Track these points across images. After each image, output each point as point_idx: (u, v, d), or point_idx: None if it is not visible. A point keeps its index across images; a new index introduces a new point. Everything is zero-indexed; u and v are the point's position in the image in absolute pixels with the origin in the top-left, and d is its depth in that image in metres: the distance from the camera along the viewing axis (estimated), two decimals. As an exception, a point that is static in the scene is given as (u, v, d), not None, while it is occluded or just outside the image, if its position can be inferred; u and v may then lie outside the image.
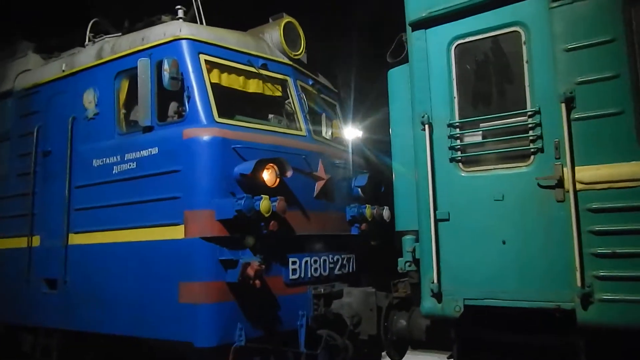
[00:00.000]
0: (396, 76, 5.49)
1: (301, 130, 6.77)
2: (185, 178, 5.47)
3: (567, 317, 4.31)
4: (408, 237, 5.17)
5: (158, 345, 5.55)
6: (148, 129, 5.94)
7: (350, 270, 7.05)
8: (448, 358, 5.37)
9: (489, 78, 4.73)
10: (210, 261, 5.29)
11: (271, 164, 5.69)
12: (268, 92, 6.74)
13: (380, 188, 7.62)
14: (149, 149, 5.82)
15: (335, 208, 6.89)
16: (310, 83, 7.44)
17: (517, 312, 4.48)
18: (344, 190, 7.16)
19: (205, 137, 5.51)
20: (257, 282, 5.23)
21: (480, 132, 4.73)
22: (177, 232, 5.44)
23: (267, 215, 5.43)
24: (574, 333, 4.38)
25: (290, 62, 7.04)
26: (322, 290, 6.18)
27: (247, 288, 5.41)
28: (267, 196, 5.46)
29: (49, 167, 6.89)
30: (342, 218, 7.07)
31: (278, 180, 5.78)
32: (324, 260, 6.52)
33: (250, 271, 5.17)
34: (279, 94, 6.88)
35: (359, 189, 7.37)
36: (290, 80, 6.95)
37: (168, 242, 5.49)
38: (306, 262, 6.22)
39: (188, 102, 5.74)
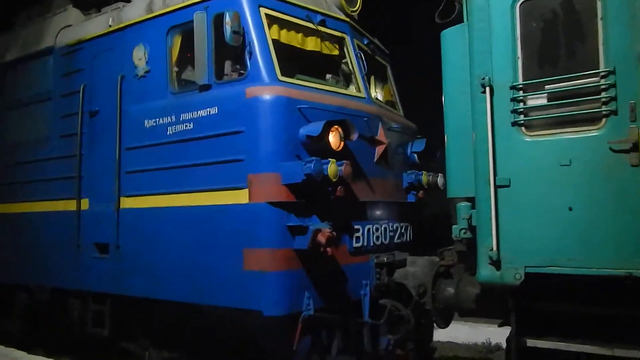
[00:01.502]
0: (450, 37, 5.22)
1: (360, 91, 6.41)
2: (249, 139, 5.16)
3: (638, 286, 4.10)
4: (463, 204, 4.98)
5: (218, 312, 5.34)
6: (205, 87, 5.61)
7: (408, 239, 6.79)
8: (500, 326, 5.21)
9: (557, 37, 4.48)
10: (278, 227, 5.02)
11: (336, 126, 5.36)
12: (325, 51, 6.36)
13: (436, 154, 7.29)
14: (208, 109, 5.50)
15: (393, 174, 6.59)
16: (366, 42, 7.04)
17: (580, 281, 4.32)
18: (401, 155, 6.84)
19: (271, 96, 5.17)
20: (329, 249, 4.97)
21: (546, 95, 4.51)
22: (240, 197, 5.17)
23: (334, 180, 5.13)
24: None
25: (348, 19, 6.64)
26: (385, 259, 5.93)
27: (314, 256, 5.16)
28: (334, 160, 5.15)
29: (96, 128, 6.61)
30: (399, 185, 6.77)
31: (342, 143, 5.46)
32: (385, 229, 6.25)
33: (322, 238, 4.90)
34: (336, 52, 6.50)
35: (416, 155, 7.04)
36: (347, 39, 6.56)
37: (230, 207, 5.22)
38: (368, 229, 5.96)
39: (250, 58, 5.38)
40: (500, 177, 4.54)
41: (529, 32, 4.55)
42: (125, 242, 6.12)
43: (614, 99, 4.14)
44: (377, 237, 6.09)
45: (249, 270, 5.05)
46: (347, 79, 6.57)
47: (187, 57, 6.19)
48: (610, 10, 4.18)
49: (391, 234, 6.36)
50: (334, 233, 5.00)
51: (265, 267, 4.97)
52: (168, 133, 5.83)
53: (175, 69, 6.09)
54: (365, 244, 5.87)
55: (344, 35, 6.52)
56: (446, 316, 5.83)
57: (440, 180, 7.16)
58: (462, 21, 5.35)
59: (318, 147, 5.25)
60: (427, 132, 7.42)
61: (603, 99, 4.20)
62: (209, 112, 5.49)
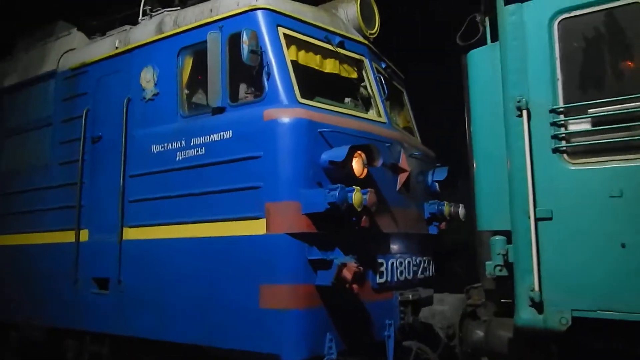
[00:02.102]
0: (479, 57, 4.90)
1: (381, 116, 6.06)
2: (267, 165, 4.77)
3: None
4: (497, 237, 4.52)
5: (230, 356, 4.83)
6: (219, 110, 5.25)
7: (431, 274, 6.33)
8: None
9: (600, 57, 4.14)
10: (299, 261, 4.58)
11: (359, 152, 4.98)
12: (344, 73, 6.05)
13: (457, 183, 6.92)
14: (221, 133, 5.12)
15: (415, 204, 6.19)
16: (384, 66, 6.74)
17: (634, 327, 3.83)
18: (422, 184, 6.45)
19: (290, 119, 4.80)
20: (355, 286, 4.52)
21: (589, 119, 4.12)
22: (257, 227, 4.74)
23: (358, 209, 4.71)
24: None
25: (366, 42, 6.35)
26: (410, 296, 5.46)
27: (336, 293, 4.70)
28: (358, 187, 4.74)
29: (99, 155, 6.21)
30: (421, 215, 6.35)
31: (365, 170, 5.06)
32: (408, 262, 5.81)
33: (347, 273, 4.46)
34: (354, 75, 6.19)
35: (437, 184, 6.65)
36: (366, 61, 6.26)
37: (246, 239, 4.78)
38: (392, 264, 5.52)
39: (267, 79, 5.03)
40: (541, 208, 4.12)
41: (569, 51, 4.22)
42: (128, 276, 5.64)
43: None
44: (401, 272, 5.64)
45: (265, 309, 4.58)
46: (366, 103, 6.24)
47: (198, 79, 5.87)
48: (662, 28, 3.87)
49: (414, 268, 5.92)
50: (361, 268, 4.55)
51: (284, 306, 4.50)
52: (177, 159, 5.43)
53: (186, 91, 5.75)
54: (389, 279, 5.42)
55: (363, 57, 6.22)
56: (473, 360, 5.34)
57: (461, 211, 6.76)
58: (486, 43, 5.08)
59: (340, 173, 4.86)
60: (445, 159, 7.08)
61: (656, 125, 3.82)
62: (223, 136, 5.11)
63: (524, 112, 4.21)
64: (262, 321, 4.56)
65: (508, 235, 4.46)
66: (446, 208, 6.51)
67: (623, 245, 3.79)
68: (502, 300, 5.45)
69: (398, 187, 5.80)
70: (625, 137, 3.94)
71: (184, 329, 5.04)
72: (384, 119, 6.06)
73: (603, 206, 3.89)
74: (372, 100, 6.20)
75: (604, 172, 3.94)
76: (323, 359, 4.55)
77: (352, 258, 4.66)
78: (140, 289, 5.49)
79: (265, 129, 4.83)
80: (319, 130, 4.90)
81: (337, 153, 4.78)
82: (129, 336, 5.54)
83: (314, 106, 5.16)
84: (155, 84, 5.81)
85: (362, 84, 6.29)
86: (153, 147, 5.66)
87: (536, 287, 4.04)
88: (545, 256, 4.07)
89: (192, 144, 5.35)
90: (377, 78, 6.25)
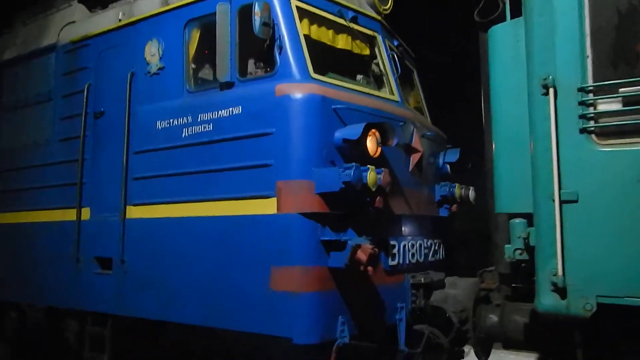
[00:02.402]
0: (500, 34, 4.70)
1: (394, 94, 5.87)
2: (278, 142, 4.58)
3: None
4: (518, 220, 4.36)
5: (239, 338, 4.70)
6: (227, 85, 5.04)
7: (442, 258, 6.19)
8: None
9: (634, 33, 3.92)
10: (311, 242, 4.42)
11: (373, 130, 4.79)
12: (356, 50, 5.84)
13: (468, 165, 6.75)
14: (230, 108, 4.93)
15: (426, 186, 6.02)
16: (396, 44, 6.52)
17: None
18: (433, 166, 6.28)
19: (303, 95, 4.60)
20: (370, 268, 4.36)
21: (620, 99, 3.92)
22: (267, 206, 4.57)
23: (373, 189, 4.55)
24: None
25: (380, 18, 6.13)
26: (422, 279, 5.32)
27: (349, 275, 4.55)
28: (373, 167, 4.57)
29: (101, 131, 6.01)
30: (432, 197, 6.19)
31: (379, 149, 4.88)
32: (420, 245, 5.66)
33: (362, 255, 4.30)
34: (367, 52, 5.98)
35: (448, 166, 6.48)
36: (379, 38, 6.05)
37: (256, 218, 4.62)
38: (404, 246, 5.37)
39: (279, 53, 4.82)
40: (566, 191, 3.95)
41: (600, 26, 4.01)
42: (132, 256, 5.47)
43: None
44: (413, 255, 5.49)
45: (276, 291, 4.42)
46: (378, 81, 6.03)
47: (204, 54, 5.65)
48: (702, 0, 3.67)
49: (425, 251, 5.77)
50: (376, 249, 4.40)
51: (296, 288, 4.35)
52: (183, 135, 5.24)
53: (193, 66, 5.53)
54: (401, 261, 5.28)
55: (376, 34, 6.01)
56: (487, 347, 5.22)
57: (472, 193, 6.62)
58: (505, 19, 4.87)
59: (354, 152, 4.68)
60: (456, 141, 6.91)
61: (692, 105, 3.64)
62: (232, 112, 4.91)
63: (551, 91, 4.02)
64: (273, 303, 4.41)
65: (528, 218, 4.32)
66: (457, 190, 6.36)
67: None
68: (514, 285, 5.34)
69: (410, 167, 5.63)
70: None
71: (191, 311, 4.89)
72: (396, 97, 5.87)
73: (631, 189, 3.72)
74: (384, 78, 6.00)
75: (633, 154, 3.76)
76: (335, 343, 4.40)
77: (367, 239, 4.51)
78: (144, 269, 5.33)
79: (277, 104, 4.64)
80: (332, 107, 4.71)
81: (352, 131, 4.59)
82: (133, 317, 5.38)
83: (327, 82, 4.96)
84: (161, 58, 5.59)
85: (374, 61, 6.08)
86: (158, 123, 5.46)
87: (560, 272, 3.89)
88: (569, 240, 3.91)
89: (199, 120, 5.15)
90: (390, 55, 6.04)
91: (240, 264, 4.65)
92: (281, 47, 4.82)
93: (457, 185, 6.39)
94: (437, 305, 5.32)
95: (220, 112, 5.00)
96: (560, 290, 3.92)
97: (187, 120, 5.23)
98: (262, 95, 4.75)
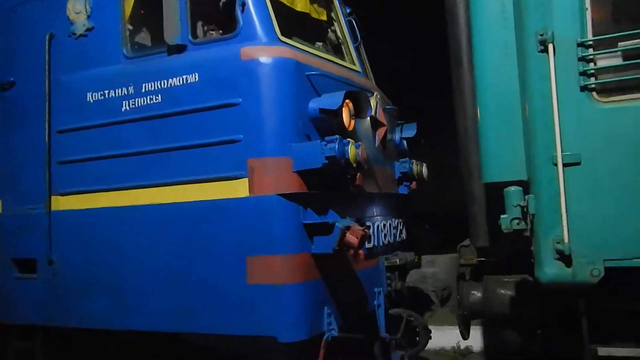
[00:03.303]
0: None
1: (354, 64, 5.43)
2: (247, 114, 3.96)
3: None
4: (513, 188, 4.15)
5: (212, 342, 4.08)
6: (178, 49, 4.31)
7: (405, 237, 5.92)
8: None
9: None
10: (293, 227, 3.88)
11: (347, 101, 4.33)
12: (314, 14, 5.31)
13: (421, 140, 6.52)
14: (184, 76, 4.21)
15: (389, 162, 5.70)
16: (348, 10, 6.07)
17: None
18: (392, 141, 5.96)
19: (275, 59, 4.01)
20: (361, 252, 3.93)
21: (619, 53, 3.79)
22: (237, 189, 3.95)
23: (354, 164, 4.10)
24: None
25: (335, -20, 5.63)
26: (398, 260, 5.00)
27: (332, 262, 4.09)
28: (352, 140, 4.12)
29: (12, 105, 4.96)
30: (393, 175, 5.88)
31: (353, 122, 4.45)
32: (390, 225, 5.33)
33: (352, 238, 3.85)
34: (324, 17, 5.48)
35: (405, 142, 6.21)
36: (336, 3, 5.56)
37: (224, 203, 3.98)
38: (377, 227, 5.00)
39: (242, 11, 4.17)
40: (568, 153, 3.77)
41: None
42: (63, 255, 4.58)
43: None
44: (385, 236, 5.15)
45: (255, 285, 3.85)
46: (336, 50, 5.56)
47: (140, 14, 4.83)
48: None
49: (394, 231, 5.46)
50: (367, 231, 3.97)
51: (279, 280, 3.80)
52: (123, 109, 4.43)
53: (129, 27, 4.69)
54: (376, 243, 4.90)
55: (333, -1, 5.52)
56: (469, 325, 5.04)
57: (425, 170, 6.40)
58: None
59: (330, 125, 4.19)
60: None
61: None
62: (186, 80, 4.20)
63: (550, 47, 3.78)
64: (252, 299, 3.84)
65: (524, 185, 4.11)
66: (415, 167, 6.10)
67: None
68: (480, 259, 5.19)
69: (377, 143, 5.25)
70: None
71: (150, 315, 4.16)
72: (357, 67, 5.44)
73: (637, 147, 3.61)
74: (343, 47, 5.54)
75: (638, 110, 3.65)
76: (323, 337, 3.94)
77: (352, 221, 4.06)
78: (82, 269, 4.48)
79: (244, 70, 4.00)
80: (306, 73, 4.16)
81: (331, 100, 4.09)
82: (70, 327, 4.52)
83: (297, 47, 4.40)
84: (88, 17, 4.68)
85: (331, 28, 5.59)
86: (89, 95, 4.58)
87: (565, 239, 3.71)
88: (572, 205, 3.72)
89: (143, 90, 4.37)
90: (348, 22, 5.59)
91: (208, 258, 4.01)
92: (244, 4, 4.17)
93: (414, 161, 6.14)
94: (414, 286, 5.04)
95: (170, 80, 4.26)
96: (566, 258, 3.75)
97: (128, 91, 4.42)
98: (224, 60, 4.09)
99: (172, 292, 4.15)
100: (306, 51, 4.53)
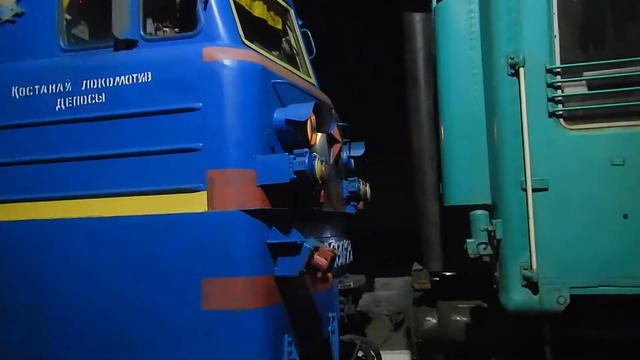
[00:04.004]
0: (452, 10, 4.36)
1: (310, 76, 5.22)
2: (208, 120, 3.58)
3: None
4: (480, 212, 4.13)
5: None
6: (127, 44, 3.85)
7: (352, 258, 5.73)
8: None
9: (600, 15, 3.93)
10: (258, 247, 3.53)
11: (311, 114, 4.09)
12: (271, 22, 5.04)
13: (365, 159, 6.42)
14: (134, 75, 3.75)
15: (339, 180, 5.51)
16: (300, 23, 5.87)
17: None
18: (342, 159, 5.79)
19: (242, 62, 3.68)
20: (330, 275, 3.66)
21: (584, 82, 3.92)
22: (194, 202, 3.55)
23: (320, 181, 3.86)
24: None
25: (291, -9, 5.43)
26: (352, 283, 4.78)
27: (292, 285, 3.79)
28: (318, 154, 3.88)
29: None
30: (342, 194, 5.69)
31: (315, 136, 4.22)
32: (339, 246, 5.10)
33: (321, 260, 3.57)
34: (280, 27, 5.22)
35: (353, 160, 6.06)
36: (292, 13, 5.35)
37: (177, 218, 3.55)
38: (333, 247, 4.74)
39: (204, 9, 3.82)
40: (537, 178, 3.78)
41: (568, 6, 3.89)
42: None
43: None
44: (338, 257, 4.90)
45: (211, 310, 3.44)
46: (291, 60, 5.32)
47: (80, 3, 4.31)
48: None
49: (345, 252, 5.24)
50: (335, 252, 3.71)
51: (240, 305, 3.42)
52: (58, 107, 3.87)
53: (67, 16, 4.15)
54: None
55: (289, 8, 5.29)
56: (426, 353, 4.92)
57: (368, 190, 6.29)
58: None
59: (295, 137, 3.92)
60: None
61: (660, 90, 3.70)
62: (137, 80, 3.75)
63: (521, 71, 3.79)
64: (207, 327, 3.42)
65: (489, 210, 4.07)
66: (362, 187, 5.96)
67: (625, 216, 3.63)
68: (417, 286, 5.12)
69: (332, 159, 5.04)
70: (625, 102, 3.75)
71: (79, 348, 3.58)
72: (313, 79, 5.24)
73: (603, 174, 3.68)
74: (297, 58, 5.31)
75: (604, 138, 3.72)
76: (284, 368, 3.60)
77: (317, 241, 3.79)
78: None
79: (206, 72, 3.63)
80: (272, 81, 3.88)
81: (299, 111, 3.82)
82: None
83: (261, 53, 4.10)
84: (18, 0, 4.08)
85: (286, 38, 5.35)
86: (14, 90, 3.97)
87: (534, 266, 3.69)
88: (539, 230, 3.73)
89: (83, 87, 3.85)
90: (303, 33, 5.38)
91: (154, 279, 3.54)
92: (206, 2, 3.81)
93: (361, 181, 6.00)
94: (366, 310, 4.83)
95: (118, 78, 3.78)
96: (533, 285, 3.72)
97: (65, 87, 3.87)
98: (183, 60, 3.70)
99: (107, 319, 3.63)
100: (268, 58, 4.25)
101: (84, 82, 3.84)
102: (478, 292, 4.81)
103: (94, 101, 3.81)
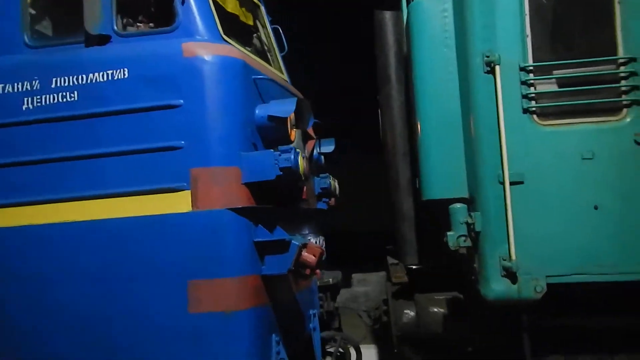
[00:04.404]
0: (426, 9, 4.46)
1: (283, 73, 5.18)
2: (191, 117, 3.49)
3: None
4: (459, 206, 4.25)
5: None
6: (99, 40, 3.70)
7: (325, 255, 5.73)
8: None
9: (569, 17, 4.14)
10: (245, 245, 3.47)
11: (290, 110, 4.06)
12: (242, 18, 4.96)
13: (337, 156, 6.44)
14: (109, 71, 3.60)
15: (312, 177, 5.49)
16: (270, 19, 5.82)
17: (599, 289, 4.00)
18: (313, 156, 5.78)
19: (224, 58, 3.60)
20: (318, 272, 3.64)
21: (554, 80, 4.11)
22: (177, 202, 3.44)
23: (303, 177, 3.84)
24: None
25: (261, -13, 5.37)
26: (331, 280, 4.78)
27: (278, 284, 3.76)
28: (300, 151, 3.86)
29: None
30: (314, 190, 5.68)
31: (294, 132, 4.19)
32: (316, 242, 5.09)
33: (310, 257, 3.55)
34: (251, 22, 5.15)
35: (323, 157, 6.06)
36: (262, 9, 5.29)
37: (160, 219, 3.44)
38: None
39: (182, 3, 3.71)
40: (512, 172, 3.92)
41: (538, 7, 4.04)
42: None
43: (636, 87, 3.87)
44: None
45: (198, 313, 3.35)
46: (262, 57, 5.25)
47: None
48: (628, -7, 3.91)
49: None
50: (323, 249, 3.70)
51: (229, 307, 3.35)
52: (25, 107, 3.67)
53: (31, 11, 3.93)
54: (311, 263, 4.62)
55: (259, 4, 5.23)
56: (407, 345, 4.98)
57: (337, 186, 6.33)
58: None
59: (277, 134, 3.88)
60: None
61: (623, 88, 3.91)
62: (113, 76, 3.60)
63: (497, 68, 3.91)
64: (195, 331, 3.33)
65: (467, 203, 4.17)
66: (332, 183, 5.98)
67: (596, 207, 3.81)
68: (395, 279, 5.20)
69: (306, 156, 5.02)
70: (592, 100, 3.94)
71: (59, 358, 3.41)
72: (285, 76, 5.20)
73: (575, 168, 3.85)
74: (269, 54, 5.26)
75: (575, 133, 3.89)
76: (273, 369, 3.56)
77: (304, 238, 3.77)
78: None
79: (187, 68, 3.53)
80: (253, 77, 3.82)
81: (282, 108, 3.79)
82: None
83: (240, 48, 4.03)
84: (-25, -7, 3.84)
85: (257, 34, 5.28)
86: (-27, 89, 3.73)
87: (513, 256, 3.82)
88: (517, 222, 3.87)
89: (53, 85, 3.66)
90: (274, 30, 5.33)
91: (137, 284, 3.41)
92: (184, -4, 3.71)
93: (331, 177, 6.02)
94: (345, 306, 4.85)
95: (91, 75, 3.62)
96: (512, 275, 3.85)
97: (32, 86, 3.67)
98: (162, 56, 3.58)
99: (87, 325, 3.47)
100: (246, 54, 4.18)
101: (54, 79, 3.65)
102: (454, 284, 4.92)
103: (65, 100, 3.63)
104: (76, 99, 3.62)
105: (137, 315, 3.39)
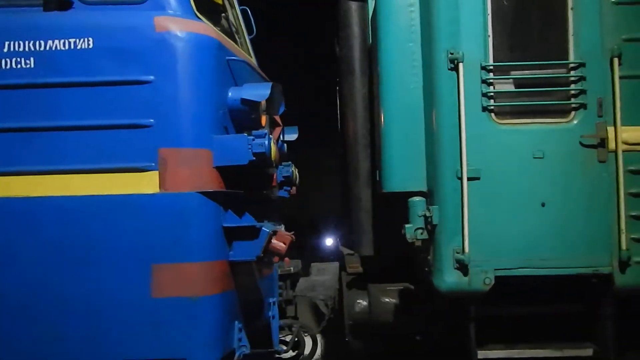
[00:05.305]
0: (393, 2, 4.51)
1: (251, 56, 5.05)
2: (161, 95, 3.32)
3: (601, 284, 4.25)
4: (417, 199, 4.35)
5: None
6: (61, 4, 3.45)
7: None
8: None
9: (527, 20, 4.32)
10: (214, 230, 3.36)
11: (261, 94, 3.97)
12: (210, -4, 4.78)
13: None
14: (71, 40, 3.36)
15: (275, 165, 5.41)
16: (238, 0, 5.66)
17: (538, 282, 4.22)
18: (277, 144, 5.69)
19: (198, 35, 3.45)
20: (287, 260, 3.59)
21: (511, 80, 4.28)
22: (144, 183, 3.28)
23: (275, 164, 3.78)
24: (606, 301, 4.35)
25: (229, -36, 5.18)
26: (292, 268, 4.75)
27: (242, 270, 3.68)
28: (271, 136, 3.78)
29: None
30: (275, 178, 5.61)
31: (265, 118, 4.10)
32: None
33: (279, 244, 3.50)
34: (219, 2, 4.97)
35: (285, 145, 5.99)
36: (230, -13, 5.12)
37: (125, 199, 3.27)
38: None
39: (154, -27, 3.51)
40: (470, 168, 4.04)
41: (499, 8, 4.18)
42: None
43: (583, 92, 4.09)
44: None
45: (162, 298, 3.22)
46: (231, 38, 5.10)
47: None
48: (581, 1, 4.11)
49: (281, 237, 5.17)
50: (293, 236, 3.64)
51: (195, 292, 3.25)
52: (-27, 72, 3.37)
53: (-17, -33, 3.61)
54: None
55: (228, -18, 5.06)
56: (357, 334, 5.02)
57: (297, 174, 6.29)
58: None
59: (247, 119, 3.79)
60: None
61: (572, 92, 4.12)
62: (75, 45, 3.37)
63: (460, 66, 4.00)
64: (158, 316, 3.20)
65: (425, 196, 4.24)
66: (294, 171, 5.92)
67: (543, 204, 3.99)
68: (350, 269, 5.24)
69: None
70: (544, 102, 4.12)
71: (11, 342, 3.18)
72: (253, 58, 5.07)
73: (526, 166, 4.03)
74: (237, 36, 5.10)
75: (528, 133, 4.07)
76: (235, 355, 3.49)
77: (274, 225, 3.70)
78: None
79: (158, 43, 3.35)
80: (227, 58, 3.69)
81: (257, 91, 3.68)
82: None
83: (213, 27, 3.87)
84: None
85: (225, 14, 5.10)
86: None
87: (466, 249, 3.94)
88: (472, 217, 4.00)
89: (5, 49, 3.38)
90: (242, 11, 5.18)
91: (95, 267, 3.23)
92: (155, -35, 3.51)
93: (292, 165, 5.96)
94: (303, 295, 4.84)
95: (52, 42, 3.37)
96: (464, 267, 3.98)
97: (-19, 49, 3.37)
98: (132, 28, 3.38)
99: (33, 310, 3.25)
100: (220, 34, 4.03)
101: (6, 43, 3.37)
102: (407, 275, 5.02)
103: (19, 66, 3.36)
104: (32, 66, 3.36)
105: (94, 298, 3.21)
